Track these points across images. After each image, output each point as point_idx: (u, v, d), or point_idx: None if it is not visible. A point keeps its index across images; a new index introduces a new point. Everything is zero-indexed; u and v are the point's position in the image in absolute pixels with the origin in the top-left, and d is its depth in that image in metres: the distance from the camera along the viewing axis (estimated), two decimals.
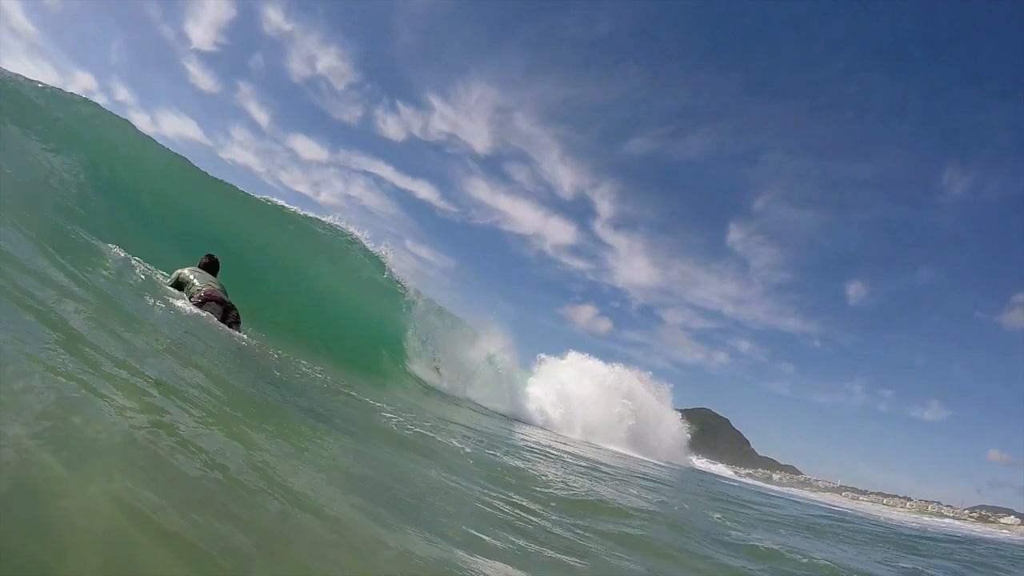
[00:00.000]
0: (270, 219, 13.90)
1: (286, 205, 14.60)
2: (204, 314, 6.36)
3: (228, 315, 6.73)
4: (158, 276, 6.98)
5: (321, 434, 4.09)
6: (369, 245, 16.00)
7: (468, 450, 6.20)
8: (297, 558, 2.12)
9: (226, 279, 7.50)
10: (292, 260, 13.39)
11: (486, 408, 17.54)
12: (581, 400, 26.48)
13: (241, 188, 14.10)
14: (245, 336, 6.72)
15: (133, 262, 6.69)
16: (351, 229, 15.71)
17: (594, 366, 30.75)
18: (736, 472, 65.21)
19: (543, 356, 29.24)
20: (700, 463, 37.50)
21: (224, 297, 6.78)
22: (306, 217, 14.82)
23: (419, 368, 15.66)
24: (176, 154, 12.81)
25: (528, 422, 20.36)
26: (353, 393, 6.97)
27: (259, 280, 11.12)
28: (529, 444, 10.78)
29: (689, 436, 34.56)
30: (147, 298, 5.70)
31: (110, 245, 6.79)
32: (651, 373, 34.30)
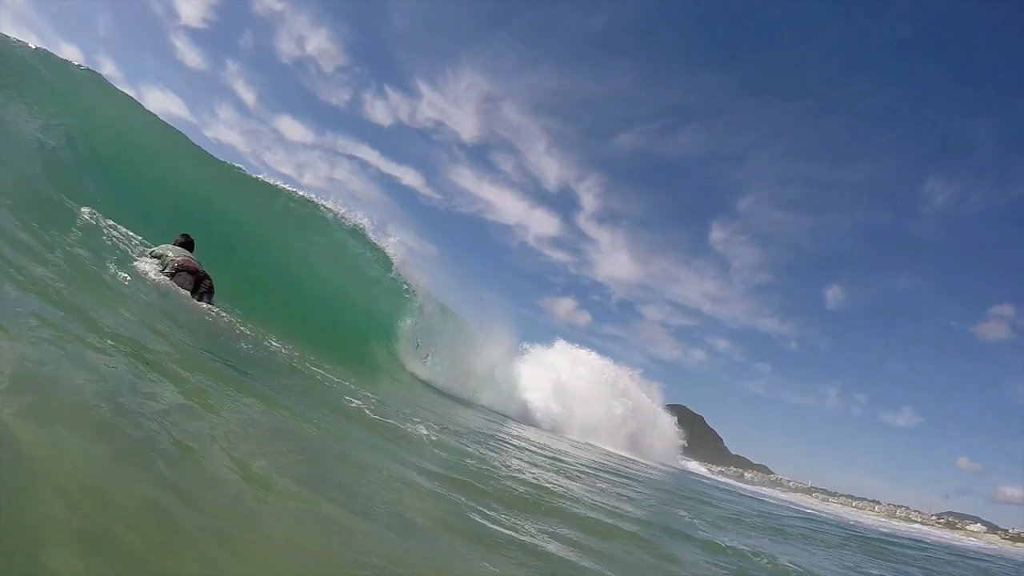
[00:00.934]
0: (268, 200, 13.43)
1: (286, 186, 14.04)
2: (173, 286, 6.23)
3: (200, 284, 6.58)
4: (134, 242, 6.82)
5: (271, 409, 3.96)
6: (373, 236, 15.18)
7: (434, 438, 5.98)
8: (238, 536, 2.08)
9: (218, 261, 7.34)
10: (288, 244, 12.93)
11: (478, 404, 16.74)
12: (580, 396, 24.77)
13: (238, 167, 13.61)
14: (216, 308, 6.52)
15: (105, 228, 6.57)
16: (358, 219, 14.93)
17: (587, 357, 28.35)
18: (709, 469, 65.62)
19: (526, 345, 26.19)
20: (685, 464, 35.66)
21: (198, 267, 6.62)
22: (309, 201, 14.23)
23: (415, 364, 14.84)
24: (171, 127, 12.41)
25: (527, 422, 19.22)
26: (319, 371, 6.73)
27: (250, 262, 10.78)
28: (501, 435, 10.56)
29: (684, 443, 33.11)
30: (116, 267, 5.55)
31: (84, 209, 6.71)
32: (641, 371, 32.29)
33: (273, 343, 6.89)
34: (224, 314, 6.56)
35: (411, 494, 3.57)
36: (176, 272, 6.36)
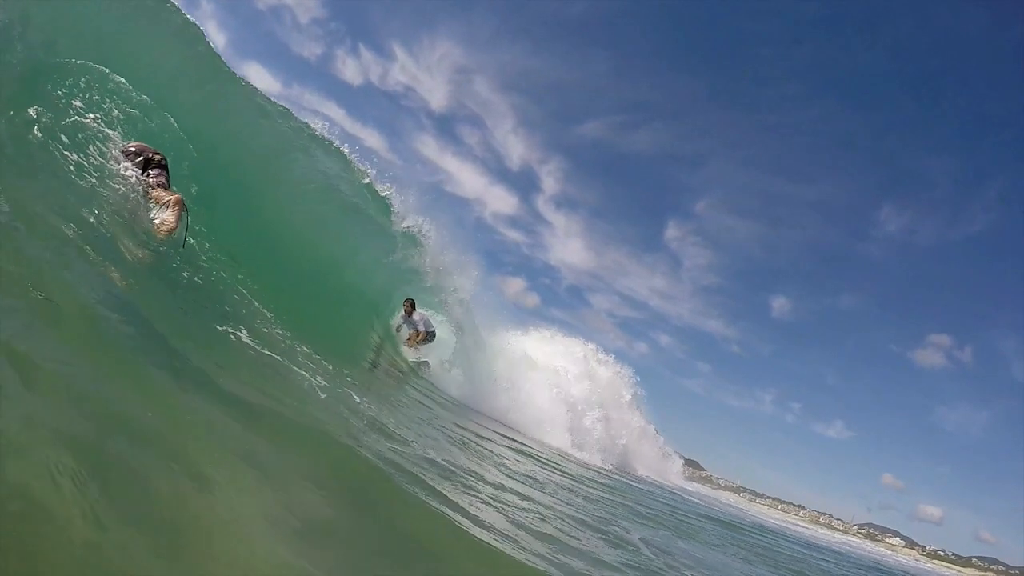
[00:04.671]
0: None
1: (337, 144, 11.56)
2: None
3: (148, 164, 5.33)
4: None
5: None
6: (427, 237, 11.86)
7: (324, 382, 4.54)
8: None
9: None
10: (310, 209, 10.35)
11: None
12: (606, 411, 18.32)
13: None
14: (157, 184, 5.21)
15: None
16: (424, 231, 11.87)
17: (593, 353, 20.35)
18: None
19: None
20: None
21: (145, 147, 5.43)
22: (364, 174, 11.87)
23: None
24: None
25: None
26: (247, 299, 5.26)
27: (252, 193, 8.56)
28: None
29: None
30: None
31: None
32: (644, 393, 23.60)
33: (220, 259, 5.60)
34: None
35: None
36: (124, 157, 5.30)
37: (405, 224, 11.88)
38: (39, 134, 4.73)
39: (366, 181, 11.97)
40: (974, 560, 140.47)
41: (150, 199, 5.08)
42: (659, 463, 23.89)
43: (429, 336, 11.67)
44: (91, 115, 5.44)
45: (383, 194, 11.97)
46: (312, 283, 8.69)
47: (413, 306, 11.43)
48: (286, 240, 8.60)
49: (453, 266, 13.17)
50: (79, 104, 5.44)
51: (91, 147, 5.18)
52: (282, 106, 11.10)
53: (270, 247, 7.93)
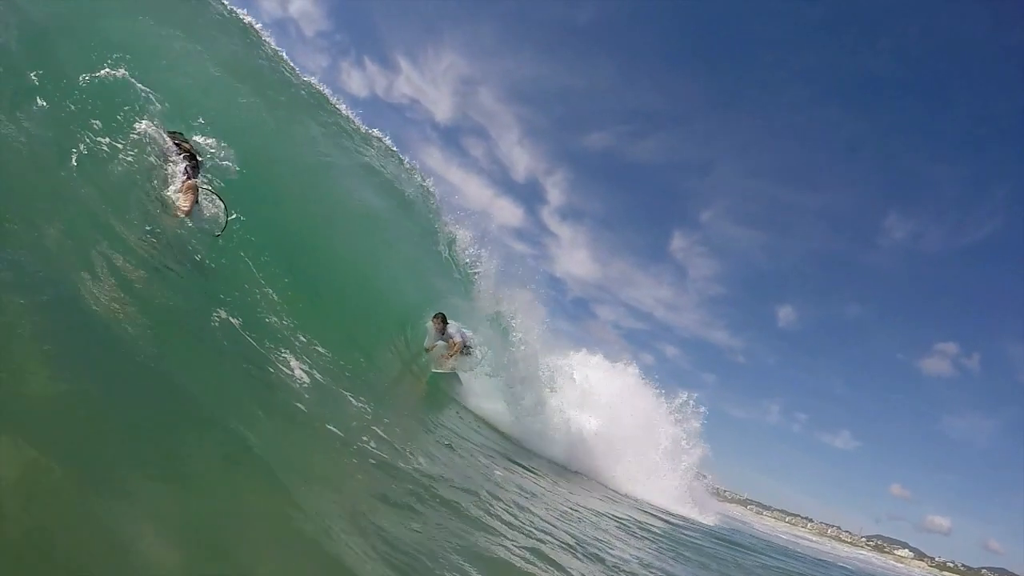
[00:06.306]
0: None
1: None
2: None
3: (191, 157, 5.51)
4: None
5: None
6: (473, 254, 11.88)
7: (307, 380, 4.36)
8: None
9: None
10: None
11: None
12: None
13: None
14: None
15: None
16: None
17: (627, 375, 16.77)
18: None
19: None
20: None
21: (182, 142, 5.54)
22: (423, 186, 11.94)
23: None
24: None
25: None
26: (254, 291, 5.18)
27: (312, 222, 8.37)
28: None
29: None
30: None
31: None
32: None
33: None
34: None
35: None
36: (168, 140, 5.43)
37: (494, 308, 11.63)
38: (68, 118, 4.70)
39: (448, 230, 12.12)
40: (983, 571, 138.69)
41: (178, 180, 5.23)
42: (706, 500, 22.67)
43: (467, 349, 10.85)
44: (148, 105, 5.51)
45: (466, 260, 11.96)
46: (343, 285, 8.44)
47: (444, 321, 10.50)
48: (332, 246, 8.62)
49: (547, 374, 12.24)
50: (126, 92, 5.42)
51: (136, 124, 5.17)
52: (370, 131, 11.77)
53: (311, 246, 7.82)
